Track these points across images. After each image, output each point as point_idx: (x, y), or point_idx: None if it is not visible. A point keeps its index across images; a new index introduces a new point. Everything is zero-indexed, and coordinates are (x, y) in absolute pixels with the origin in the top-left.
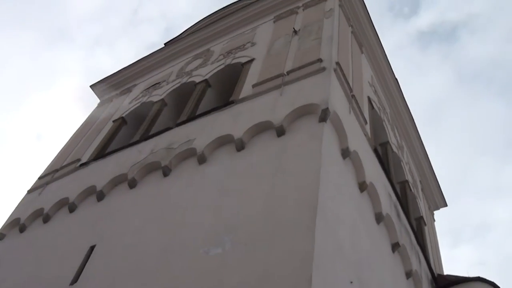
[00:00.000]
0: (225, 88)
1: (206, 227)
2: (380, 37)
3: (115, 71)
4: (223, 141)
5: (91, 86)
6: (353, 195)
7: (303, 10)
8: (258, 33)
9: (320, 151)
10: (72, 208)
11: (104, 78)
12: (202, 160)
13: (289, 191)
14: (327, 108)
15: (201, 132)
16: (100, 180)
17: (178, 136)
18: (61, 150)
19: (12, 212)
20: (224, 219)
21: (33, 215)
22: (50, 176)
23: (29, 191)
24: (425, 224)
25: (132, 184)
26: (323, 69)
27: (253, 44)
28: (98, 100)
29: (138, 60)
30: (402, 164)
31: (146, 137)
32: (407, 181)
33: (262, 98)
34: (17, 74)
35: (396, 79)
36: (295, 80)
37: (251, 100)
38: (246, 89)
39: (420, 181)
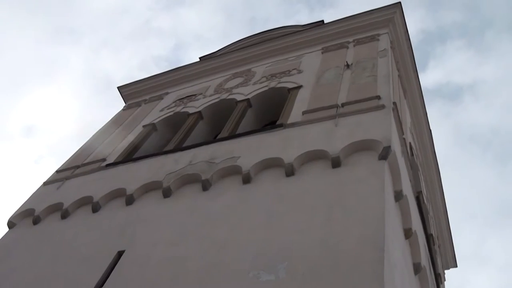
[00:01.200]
0: (266, 110)
1: (254, 250)
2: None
3: (143, 77)
4: (271, 164)
5: (118, 88)
6: (401, 241)
7: (353, 46)
8: (304, 61)
9: (383, 190)
10: (96, 208)
11: (133, 82)
12: (247, 179)
13: (351, 227)
14: (389, 147)
15: (246, 151)
16: (131, 184)
17: (220, 152)
18: (82, 147)
19: (25, 202)
20: (276, 245)
21: (50, 208)
22: (70, 172)
23: (45, 183)
24: (441, 282)
25: (167, 193)
26: (383, 106)
27: (299, 71)
28: (96, 99)
29: (171, 70)
30: (428, 216)
31: (182, 147)
32: (431, 235)
33: (315, 126)
34: (18, 64)
35: (430, 130)
36: (351, 113)
37: (302, 127)
38: (294, 114)
39: (437, 237)
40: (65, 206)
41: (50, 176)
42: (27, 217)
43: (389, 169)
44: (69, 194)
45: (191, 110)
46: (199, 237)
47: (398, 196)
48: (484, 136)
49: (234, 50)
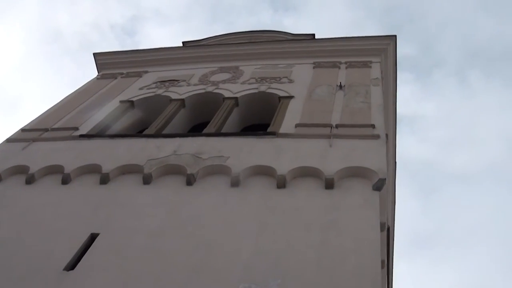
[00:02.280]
0: (252, 113)
1: (245, 259)
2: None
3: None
4: (262, 171)
5: (94, 54)
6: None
7: (346, 68)
8: (295, 72)
9: (378, 221)
10: (66, 180)
11: (111, 52)
12: (235, 182)
13: (347, 253)
14: (385, 179)
15: (236, 152)
16: (107, 162)
17: (207, 147)
18: (50, 109)
19: None
20: (268, 258)
21: (13, 169)
22: (37, 134)
23: (8, 140)
24: None
25: (147, 180)
26: (377, 136)
27: (290, 80)
28: (42, 49)
29: (152, 49)
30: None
31: (166, 134)
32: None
33: (308, 142)
34: None
35: (395, 162)
36: (346, 137)
37: (295, 139)
38: (287, 125)
39: None
40: (31, 170)
41: (14, 134)
42: None
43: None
44: (36, 158)
45: (173, 96)
46: (184, 233)
47: (382, 227)
48: (414, 166)
49: (221, 44)
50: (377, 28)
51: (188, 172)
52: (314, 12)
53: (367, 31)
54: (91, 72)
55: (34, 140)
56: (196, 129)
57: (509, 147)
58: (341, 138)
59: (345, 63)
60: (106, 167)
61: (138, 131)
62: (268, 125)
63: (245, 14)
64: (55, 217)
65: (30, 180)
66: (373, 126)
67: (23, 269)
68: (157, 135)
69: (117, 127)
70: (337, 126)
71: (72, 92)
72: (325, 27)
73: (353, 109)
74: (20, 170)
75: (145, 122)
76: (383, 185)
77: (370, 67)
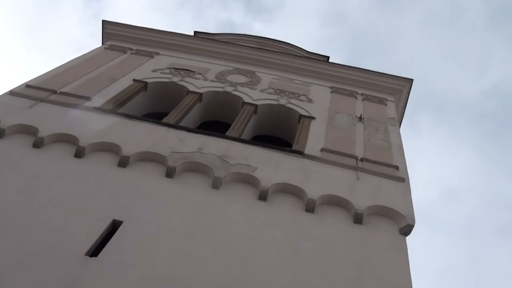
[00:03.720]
0: (268, 123)
1: (281, 283)
2: None
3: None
4: (290, 190)
5: (103, 21)
6: None
7: (362, 100)
8: (313, 92)
9: (409, 268)
10: (79, 154)
11: (122, 24)
12: (263, 196)
13: None
14: (413, 226)
15: (263, 164)
16: (126, 144)
17: (234, 152)
18: (55, 70)
19: None
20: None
21: (19, 127)
22: (45, 94)
23: (11, 93)
24: None
25: (170, 173)
26: (402, 179)
27: (310, 100)
28: None
29: (164, 31)
30: None
31: (189, 128)
32: None
33: (336, 170)
34: None
35: None
36: (372, 173)
37: (322, 164)
38: (311, 147)
39: None
40: (41, 133)
41: (18, 88)
42: None
43: None
44: (46, 121)
45: (190, 88)
46: (214, 241)
47: None
48: None
49: (236, 44)
50: (341, 51)
51: (216, 175)
52: (287, 21)
53: (331, 50)
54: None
55: (42, 100)
56: (206, 126)
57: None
58: (368, 173)
59: (361, 94)
60: (126, 150)
61: (146, 114)
62: (281, 140)
63: (216, 8)
64: (71, 192)
65: (38, 144)
66: (396, 167)
67: (40, 246)
68: (180, 126)
69: (129, 107)
70: (362, 159)
71: (78, 57)
72: (293, 37)
73: (375, 145)
74: (27, 130)
75: (155, 106)
76: (410, 231)
77: (386, 104)
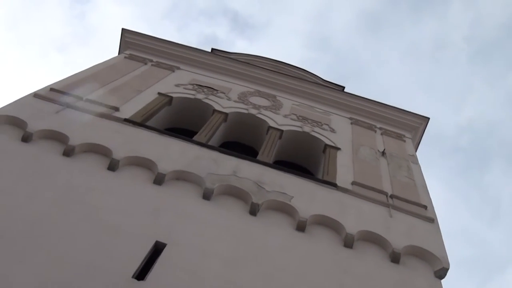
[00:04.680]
0: (291, 149)
1: None
2: None
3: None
4: (327, 223)
5: (123, 30)
6: None
7: (381, 134)
8: (334, 122)
9: None
10: (113, 167)
11: (142, 34)
12: (301, 227)
13: None
14: (447, 269)
15: (298, 193)
16: (161, 161)
17: (268, 178)
18: (77, 75)
19: (9, 106)
20: None
21: (48, 133)
22: (71, 100)
23: (36, 96)
24: None
25: (208, 195)
26: (432, 220)
27: (332, 130)
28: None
29: (183, 45)
30: None
31: (222, 149)
32: None
33: (369, 206)
34: None
35: None
36: (403, 211)
37: (355, 198)
38: (342, 179)
39: None
40: (72, 142)
41: (41, 90)
42: (11, 124)
43: None
44: (75, 129)
45: (216, 107)
46: (259, 271)
47: None
48: None
49: (258, 66)
50: (322, 74)
51: (254, 201)
52: (271, 39)
53: (315, 71)
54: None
55: (68, 105)
56: (227, 146)
57: None
58: (399, 212)
59: (380, 128)
60: (162, 167)
61: (167, 128)
62: (301, 167)
63: (202, 22)
64: (108, 208)
65: (69, 153)
66: (425, 207)
67: (85, 266)
68: (212, 147)
69: (154, 120)
70: (391, 196)
71: (99, 64)
72: (277, 57)
73: (401, 182)
74: (56, 136)
75: (177, 121)
76: (445, 274)
77: (404, 141)
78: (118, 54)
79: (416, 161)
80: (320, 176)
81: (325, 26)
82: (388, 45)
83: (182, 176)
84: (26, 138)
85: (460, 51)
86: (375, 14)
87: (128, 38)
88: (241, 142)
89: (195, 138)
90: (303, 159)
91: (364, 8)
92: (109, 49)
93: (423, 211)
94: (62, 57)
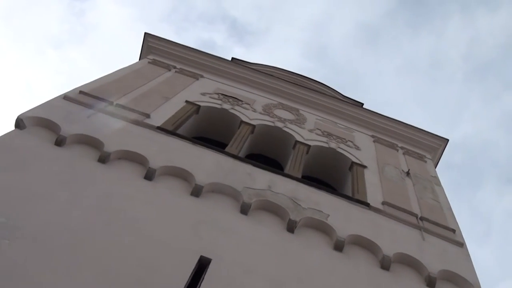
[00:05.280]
0: (317, 165)
1: None
2: None
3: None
4: (363, 244)
5: (146, 34)
6: None
7: (403, 154)
8: (358, 139)
9: None
10: (150, 176)
11: (165, 39)
12: (339, 247)
13: None
14: None
15: (333, 212)
16: (198, 172)
17: (303, 195)
18: (104, 78)
19: (40, 107)
20: None
21: (82, 138)
22: (101, 104)
23: (66, 98)
24: None
25: (245, 210)
26: (461, 244)
27: (357, 147)
28: None
29: (206, 53)
30: None
31: (255, 163)
32: None
33: (401, 227)
34: None
35: None
36: (434, 234)
37: (388, 219)
38: (372, 198)
39: None
40: (107, 148)
41: (71, 92)
42: (43, 127)
43: None
44: (109, 135)
45: (243, 118)
46: None
47: None
48: None
49: (279, 78)
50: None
51: (291, 217)
52: (268, 47)
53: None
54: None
55: (100, 110)
56: (252, 159)
57: None
58: (431, 235)
59: (401, 148)
60: (199, 178)
61: (194, 137)
62: (324, 182)
63: (200, 26)
64: (148, 219)
65: (104, 159)
66: (453, 231)
67: (133, 280)
68: (246, 160)
69: (183, 129)
70: (421, 218)
71: (123, 68)
72: (272, 62)
73: (428, 204)
74: (90, 141)
75: (203, 130)
76: None
77: (425, 162)
78: (139, 58)
79: (439, 183)
80: (349, 194)
81: (323, 36)
82: (385, 59)
83: (218, 189)
84: (60, 142)
85: (457, 68)
86: (373, 27)
87: (151, 43)
88: (265, 155)
89: (227, 149)
90: (328, 175)
91: (363, 21)
92: (106, 49)
93: (451, 235)
94: (58, 54)
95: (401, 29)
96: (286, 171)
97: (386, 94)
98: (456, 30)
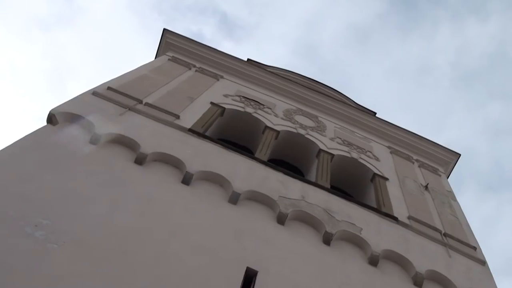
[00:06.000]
0: (339, 175)
1: None
2: None
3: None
4: (396, 259)
5: (165, 30)
6: None
7: (418, 166)
8: (376, 149)
9: None
10: (187, 181)
11: (185, 37)
12: (374, 262)
13: None
14: None
15: (365, 226)
16: (234, 179)
17: (335, 206)
18: (129, 75)
19: (70, 103)
20: None
21: (116, 137)
22: (131, 102)
23: (95, 94)
24: None
25: (281, 220)
26: (483, 262)
27: (376, 158)
28: None
29: (229, 55)
30: None
31: (287, 172)
32: None
33: (428, 243)
34: None
35: None
36: (460, 252)
37: (415, 235)
38: (398, 212)
39: None
40: (143, 150)
41: (99, 87)
42: (76, 124)
43: None
44: (143, 135)
45: (267, 123)
46: None
47: None
48: None
49: (300, 84)
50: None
51: (327, 230)
52: (257, 43)
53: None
54: None
55: (130, 108)
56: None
57: None
58: (456, 252)
59: (416, 161)
60: (236, 185)
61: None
62: (344, 192)
63: (189, 18)
64: (191, 225)
65: (141, 161)
66: (475, 248)
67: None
68: (277, 167)
69: (209, 131)
70: (445, 235)
71: (145, 65)
72: (261, 58)
73: (448, 220)
74: (126, 142)
75: (224, 133)
76: None
77: (440, 175)
78: (156, 53)
79: (455, 198)
80: (373, 206)
81: (313, 34)
82: (373, 61)
83: (254, 197)
84: (95, 141)
85: (444, 75)
86: (364, 28)
87: (170, 40)
88: (286, 161)
89: (257, 155)
90: (350, 185)
91: (354, 21)
92: (96, 35)
93: (473, 252)
94: (45, 37)
95: (392, 32)
96: (313, 179)
97: (373, 96)
98: (445, 37)
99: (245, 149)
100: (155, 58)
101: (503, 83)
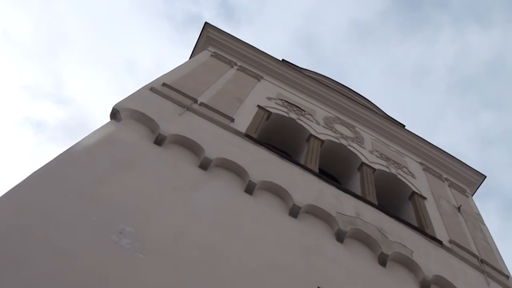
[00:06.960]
0: (380, 190)
1: None
2: None
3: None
4: (444, 284)
5: (206, 23)
6: None
7: (448, 186)
8: (411, 166)
9: None
10: (250, 190)
11: (227, 33)
12: (426, 287)
13: None
14: None
15: (415, 248)
16: (294, 191)
17: (387, 226)
18: (177, 71)
19: (131, 98)
20: None
21: (180, 139)
22: (187, 101)
23: (152, 90)
24: None
25: (340, 237)
26: None
27: (412, 175)
28: None
29: (269, 55)
30: None
31: (339, 186)
32: None
33: (470, 270)
34: None
35: None
36: (496, 280)
37: (458, 260)
38: (440, 235)
39: None
40: (208, 155)
41: (154, 82)
42: (139, 121)
43: None
44: (205, 138)
45: (312, 131)
46: None
47: None
48: None
49: (340, 93)
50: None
51: (383, 251)
52: (257, 29)
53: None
54: None
55: (188, 108)
56: None
57: None
58: (493, 280)
59: (446, 179)
60: (297, 199)
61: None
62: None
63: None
64: (259, 238)
65: (206, 166)
66: (508, 277)
67: None
68: (331, 182)
69: (256, 136)
70: (482, 261)
71: (190, 61)
72: (260, 45)
73: (482, 245)
74: (190, 145)
75: (270, 139)
76: None
77: (467, 196)
78: (195, 46)
79: (483, 222)
80: (414, 225)
81: (313, 26)
82: (371, 58)
83: (313, 211)
84: (160, 141)
85: (441, 79)
86: (365, 25)
87: (212, 35)
88: (323, 169)
89: (309, 166)
90: (388, 201)
91: (356, 16)
92: (94, 7)
93: (507, 281)
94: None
95: (393, 31)
96: (362, 194)
97: (367, 93)
98: (445, 41)
99: (286, 154)
100: (193, 50)
101: (498, 92)
